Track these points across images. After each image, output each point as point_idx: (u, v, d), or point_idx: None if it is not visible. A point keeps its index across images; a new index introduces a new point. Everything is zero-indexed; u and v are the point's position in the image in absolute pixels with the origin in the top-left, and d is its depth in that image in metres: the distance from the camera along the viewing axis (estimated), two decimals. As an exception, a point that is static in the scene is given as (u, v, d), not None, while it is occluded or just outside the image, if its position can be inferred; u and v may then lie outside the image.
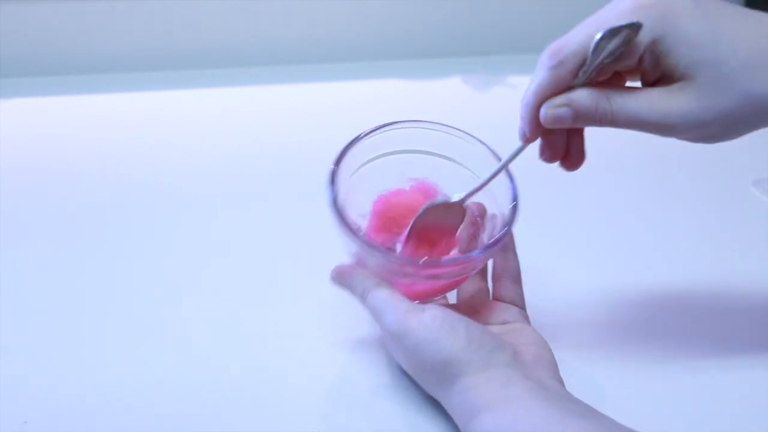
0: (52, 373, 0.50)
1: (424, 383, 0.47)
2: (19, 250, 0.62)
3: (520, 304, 0.51)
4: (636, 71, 0.45)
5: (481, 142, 0.52)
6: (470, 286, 0.53)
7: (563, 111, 0.43)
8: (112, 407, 0.48)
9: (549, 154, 0.47)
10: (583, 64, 0.43)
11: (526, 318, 0.51)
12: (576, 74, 0.43)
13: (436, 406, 0.47)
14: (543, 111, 0.44)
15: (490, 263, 0.53)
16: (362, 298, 0.48)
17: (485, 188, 0.50)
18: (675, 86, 0.43)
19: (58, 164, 0.74)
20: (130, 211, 0.67)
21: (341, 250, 0.58)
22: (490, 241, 0.48)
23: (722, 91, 0.42)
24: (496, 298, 0.52)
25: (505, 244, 0.51)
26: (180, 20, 0.91)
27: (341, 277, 0.50)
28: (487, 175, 0.49)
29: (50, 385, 0.49)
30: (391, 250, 0.52)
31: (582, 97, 0.43)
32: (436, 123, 0.52)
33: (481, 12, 0.96)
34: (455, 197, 0.51)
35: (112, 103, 0.86)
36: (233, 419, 0.47)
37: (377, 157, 0.52)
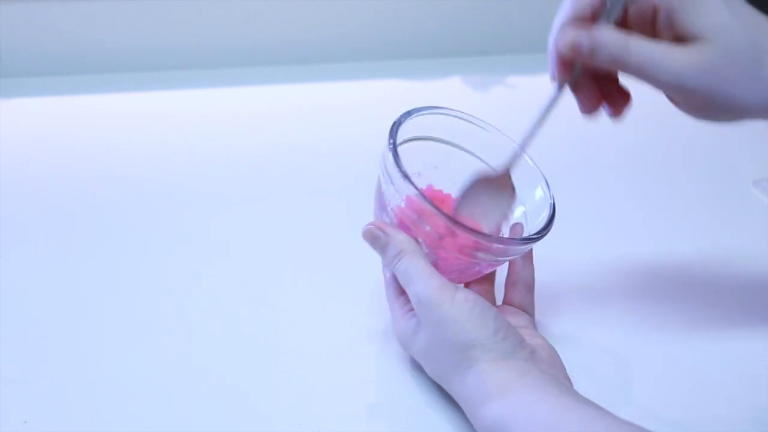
0: (52, 373, 0.50)
1: (434, 363, 0.46)
2: (19, 250, 0.62)
3: (530, 312, 0.52)
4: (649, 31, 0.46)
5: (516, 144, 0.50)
6: (478, 288, 0.52)
7: (581, 38, 0.44)
8: (113, 407, 0.48)
9: (583, 104, 0.48)
10: (604, 4, 0.44)
11: (535, 326, 0.51)
12: (598, 10, 0.45)
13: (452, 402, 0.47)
14: (561, 37, 0.45)
15: (499, 270, 0.52)
16: (395, 259, 0.46)
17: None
18: (692, 45, 0.44)
19: (58, 164, 0.74)
20: (130, 211, 0.67)
21: (341, 250, 0.58)
22: (542, 228, 0.48)
23: (734, 63, 0.43)
24: (507, 303, 0.52)
25: (526, 252, 0.51)
26: (179, 20, 0.91)
27: (377, 234, 0.47)
28: (524, 134, 0.48)
29: (50, 385, 0.49)
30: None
31: (601, 30, 0.44)
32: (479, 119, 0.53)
33: (481, 12, 0.96)
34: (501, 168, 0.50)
35: (112, 103, 0.86)
36: (233, 419, 0.47)
37: (413, 140, 0.51)
